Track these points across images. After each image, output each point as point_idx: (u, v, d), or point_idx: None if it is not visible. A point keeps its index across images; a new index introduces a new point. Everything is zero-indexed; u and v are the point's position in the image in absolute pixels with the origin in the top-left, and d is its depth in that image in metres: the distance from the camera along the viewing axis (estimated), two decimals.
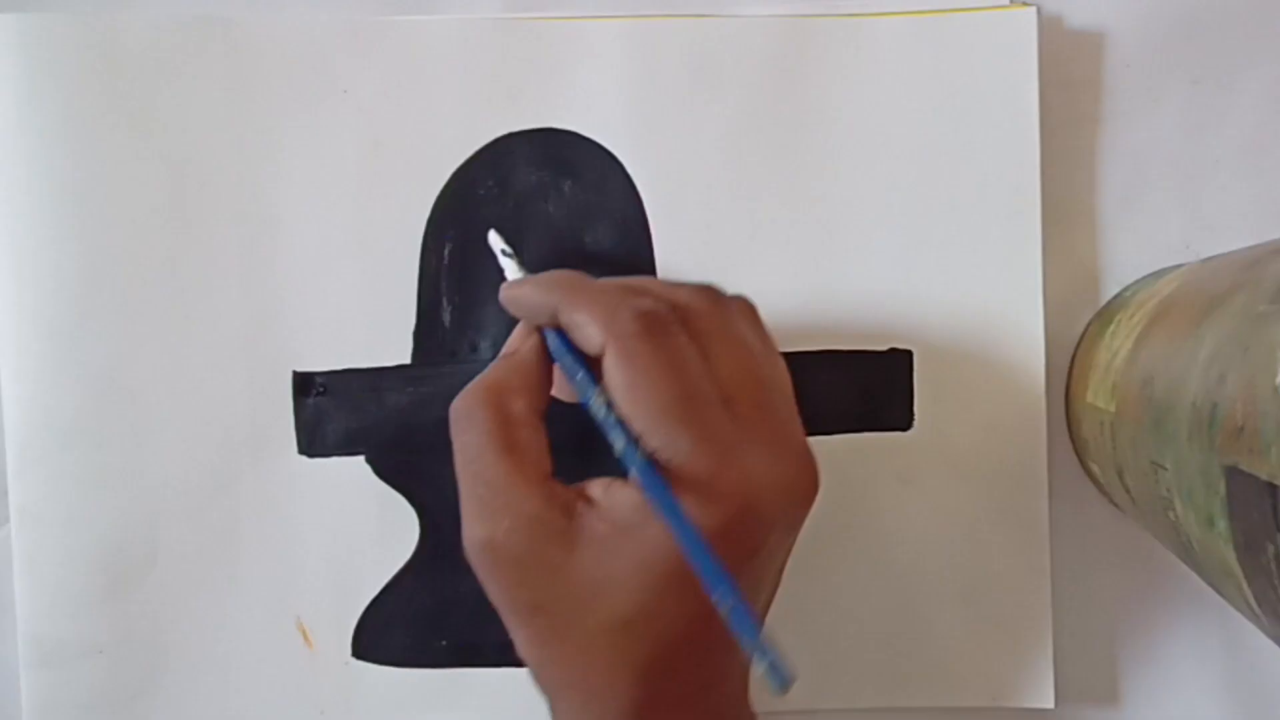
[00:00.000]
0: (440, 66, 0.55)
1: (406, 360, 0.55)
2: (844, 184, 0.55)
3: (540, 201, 0.55)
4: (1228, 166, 0.55)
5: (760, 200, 0.55)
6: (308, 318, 0.55)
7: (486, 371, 0.45)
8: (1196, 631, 0.56)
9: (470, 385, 0.44)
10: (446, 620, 0.56)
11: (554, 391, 0.46)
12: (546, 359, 0.46)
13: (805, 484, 0.44)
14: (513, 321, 0.51)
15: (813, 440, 0.54)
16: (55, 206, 0.55)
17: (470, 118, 0.55)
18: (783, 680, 0.36)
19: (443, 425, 0.53)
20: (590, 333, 0.42)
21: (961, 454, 0.55)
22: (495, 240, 0.54)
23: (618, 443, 0.41)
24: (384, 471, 0.56)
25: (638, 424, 0.41)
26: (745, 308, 0.48)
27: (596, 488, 0.43)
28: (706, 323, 0.44)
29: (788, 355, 0.54)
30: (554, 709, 0.44)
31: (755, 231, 0.55)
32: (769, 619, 0.47)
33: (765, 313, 0.53)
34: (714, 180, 0.55)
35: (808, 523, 0.53)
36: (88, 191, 0.55)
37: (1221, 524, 0.34)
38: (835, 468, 0.55)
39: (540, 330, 0.46)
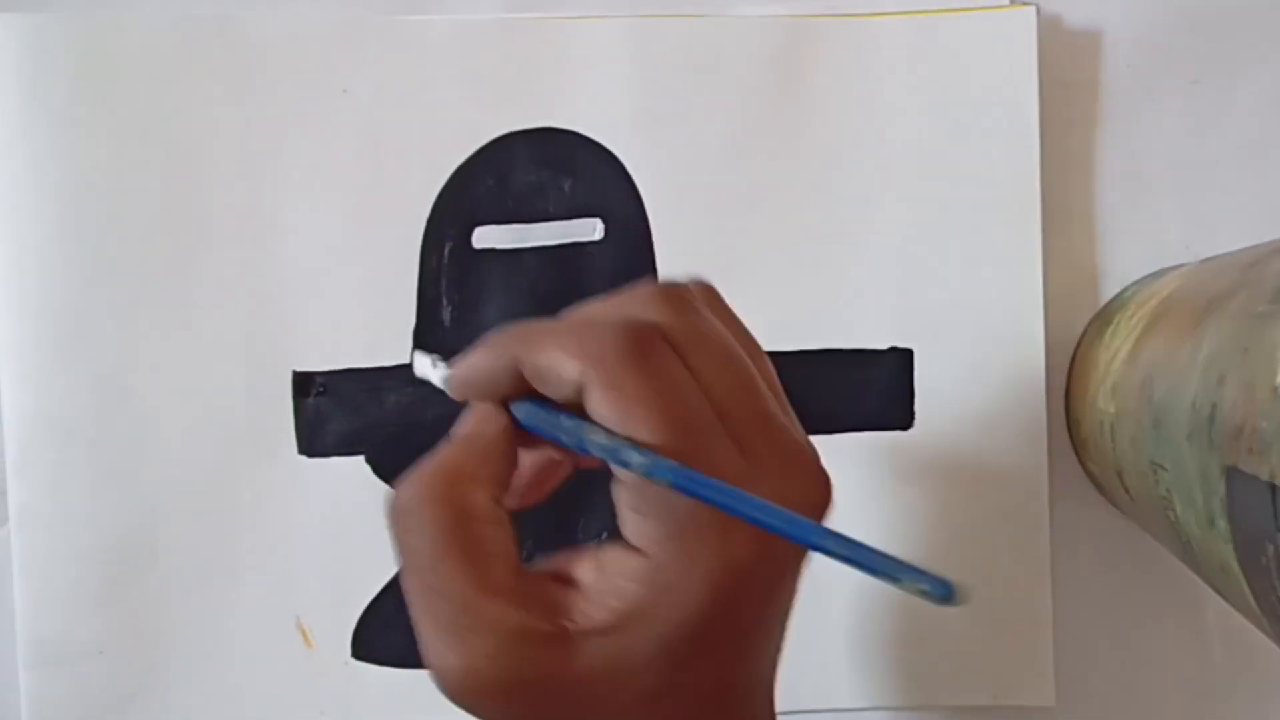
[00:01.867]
0: (440, 66, 0.55)
1: (406, 360, 0.55)
2: (844, 184, 0.55)
3: (540, 201, 0.55)
4: (1227, 167, 0.56)
5: (760, 199, 0.55)
6: (308, 317, 0.55)
7: (436, 455, 0.38)
8: (1196, 631, 0.57)
9: (415, 473, 0.37)
10: None
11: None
12: (510, 437, 0.38)
13: (819, 498, 0.38)
14: (511, 320, 0.50)
15: (814, 439, 0.54)
16: (55, 205, 0.55)
17: (470, 117, 0.55)
18: (947, 589, 0.32)
19: (443, 425, 0.53)
20: (566, 371, 0.35)
21: (962, 454, 0.56)
22: (421, 363, 0.43)
23: (635, 459, 0.34)
24: (384, 471, 0.56)
25: None
26: (708, 295, 0.41)
27: (582, 568, 0.36)
28: (682, 332, 0.37)
29: (789, 354, 0.54)
30: None
31: (755, 230, 0.55)
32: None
33: (765, 312, 0.53)
34: (714, 179, 0.55)
35: None
36: (88, 190, 0.55)
37: (1221, 524, 0.34)
38: (835, 467, 0.55)
39: (503, 405, 0.38)
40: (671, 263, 0.55)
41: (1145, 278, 0.55)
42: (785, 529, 0.33)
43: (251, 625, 0.56)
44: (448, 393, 0.40)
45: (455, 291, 0.55)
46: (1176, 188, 0.56)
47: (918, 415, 0.56)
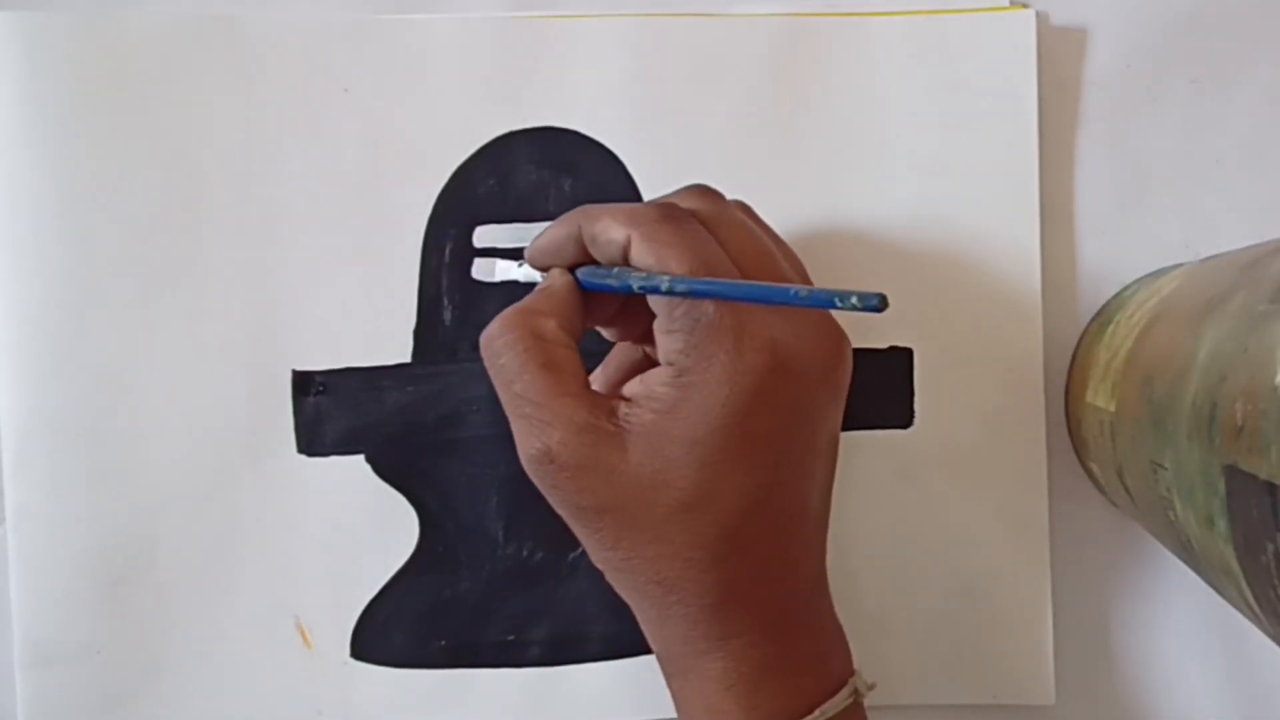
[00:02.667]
0: (441, 65, 0.55)
1: (407, 359, 0.55)
2: (843, 183, 0.55)
3: (541, 200, 0.55)
4: (1227, 166, 0.56)
5: (759, 198, 0.55)
6: (307, 316, 0.55)
7: (515, 305, 0.46)
8: (1195, 630, 0.57)
9: (499, 315, 0.46)
10: (445, 621, 0.56)
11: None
12: (577, 290, 0.47)
13: (830, 341, 0.46)
14: None
15: None
16: (55, 205, 0.55)
17: (471, 116, 0.55)
18: (876, 300, 0.36)
19: (443, 424, 0.53)
20: (615, 234, 0.44)
21: (961, 452, 0.56)
22: (504, 266, 0.53)
23: (664, 282, 0.41)
24: (384, 471, 0.56)
25: None
26: (743, 206, 0.50)
27: (632, 386, 0.46)
28: (711, 215, 0.46)
29: None
30: (638, 612, 0.47)
31: None
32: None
33: None
34: (713, 178, 0.55)
35: None
36: (88, 190, 0.55)
37: (1221, 523, 0.34)
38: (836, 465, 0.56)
39: (570, 270, 0.47)
40: None
41: (1145, 277, 0.55)
42: (765, 296, 0.40)
43: (250, 625, 0.56)
44: (529, 275, 0.50)
45: (456, 290, 0.55)
46: (1176, 187, 0.56)
47: (917, 414, 0.56)
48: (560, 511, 0.45)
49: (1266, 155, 0.55)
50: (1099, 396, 0.50)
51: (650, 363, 0.51)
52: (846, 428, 0.55)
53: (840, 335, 0.46)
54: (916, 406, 0.56)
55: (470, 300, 0.55)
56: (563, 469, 0.43)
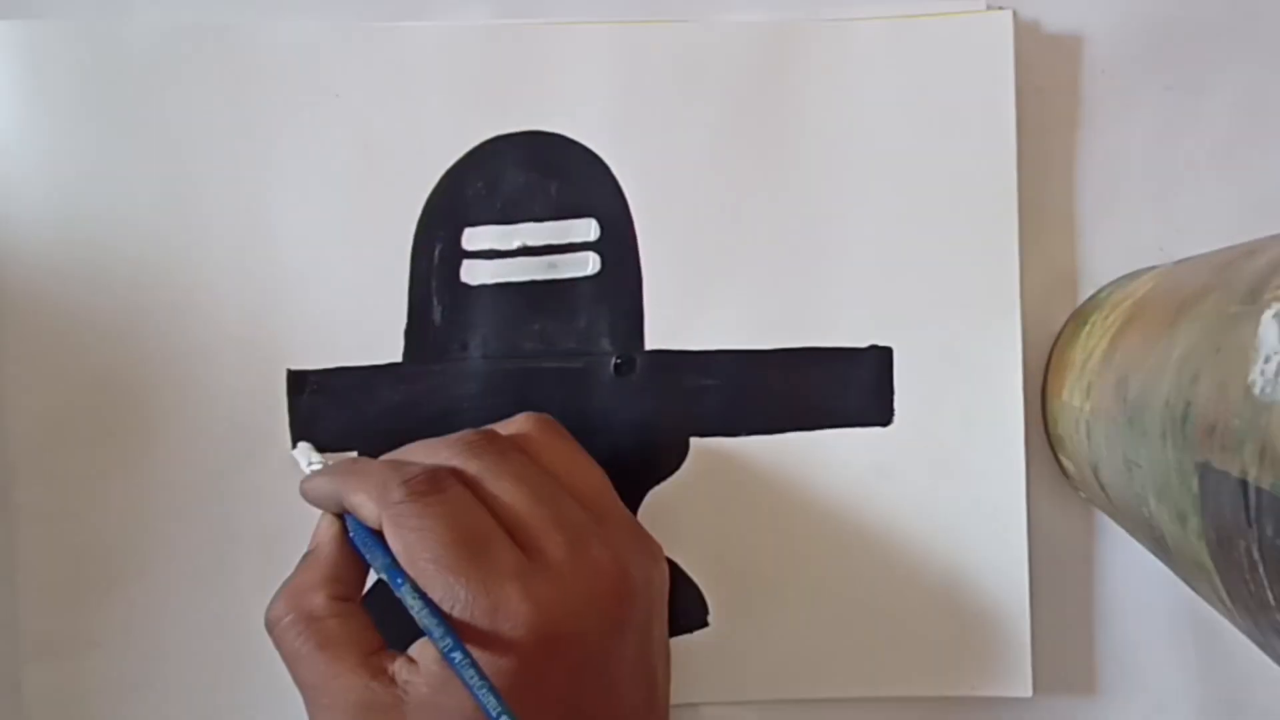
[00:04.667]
0: (430, 71, 0.55)
1: (398, 359, 0.56)
2: (825, 185, 0.56)
3: (528, 202, 0.56)
4: (1201, 170, 0.56)
5: (743, 201, 0.55)
6: (301, 317, 0.56)
7: (289, 577, 0.48)
8: (1170, 624, 0.57)
9: (276, 594, 0.47)
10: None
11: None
12: (345, 545, 0.48)
13: (606, 594, 0.45)
14: (500, 320, 0.54)
15: (795, 435, 0.55)
16: (55, 207, 0.55)
17: (459, 121, 0.56)
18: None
19: (434, 422, 0.54)
20: (368, 510, 0.45)
21: (940, 449, 0.56)
22: (303, 454, 0.54)
23: (406, 601, 0.42)
24: None
25: (421, 581, 0.42)
26: (531, 428, 0.50)
27: (416, 647, 0.44)
28: (477, 467, 0.46)
29: (770, 352, 0.55)
30: None
31: (739, 231, 0.56)
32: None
33: (748, 311, 0.54)
34: (698, 182, 0.56)
35: (795, 517, 0.54)
36: (86, 193, 0.55)
37: (1194, 520, 0.34)
38: (815, 462, 0.56)
39: (341, 518, 0.49)
40: (656, 262, 0.56)
41: (1120, 278, 0.55)
42: (481, 699, 0.39)
43: (248, 620, 0.56)
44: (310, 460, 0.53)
45: (445, 292, 0.56)
46: (1151, 191, 0.56)
47: (897, 412, 0.56)
48: None
49: (1238, 159, 0.56)
50: (1075, 395, 0.50)
51: None
52: (827, 425, 0.56)
53: (620, 574, 0.46)
54: (896, 404, 0.56)
55: (459, 301, 0.56)
56: None
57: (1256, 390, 0.30)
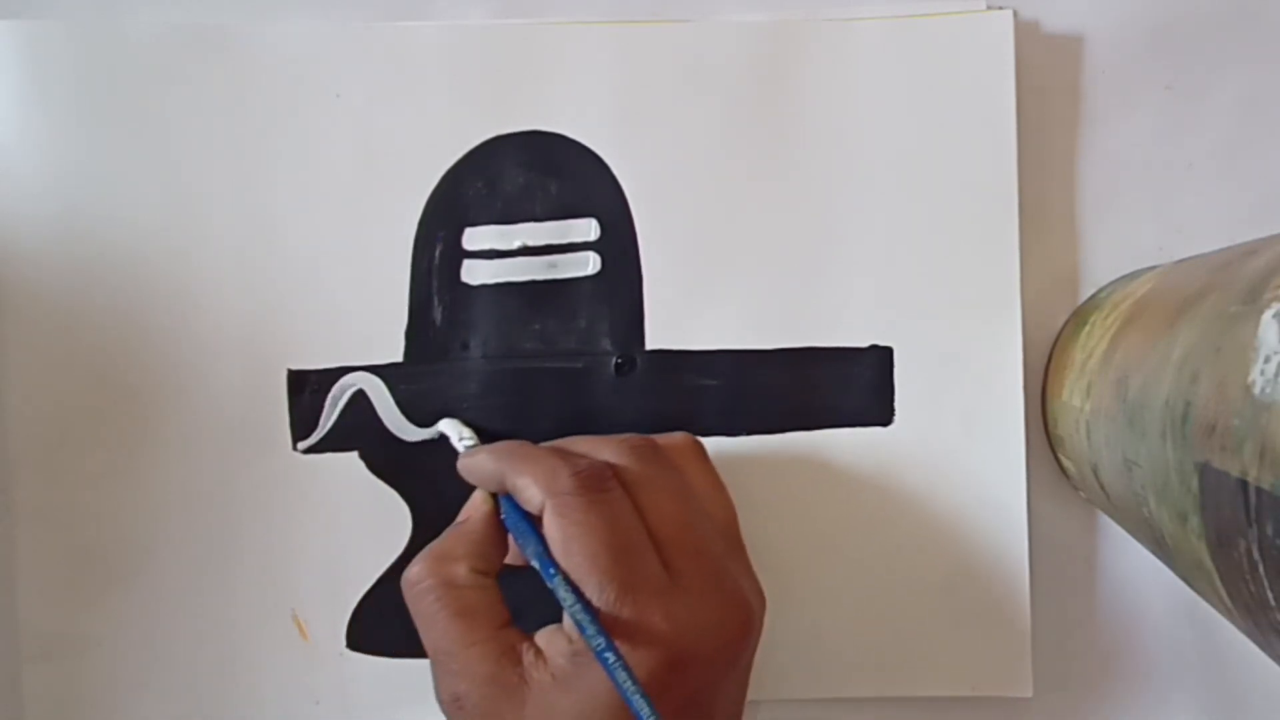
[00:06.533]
0: (430, 71, 0.55)
1: (399, 359, 0.56)
2: (826, 184, 0.56)
3: (528, 202, 0.56)
4: (1200, 170, 0.56)
5: (743, 201, 0.55)
6: (303, 317, 0.56)
7: (435, 542, 0.49)
8: (1170, 624, 0.57)
9: (419, 556, 0.48)
10: None
11: (508, 559, 0.50)
12: (495, 523, 0.49)
13: (735, 626, 0.46)
14: (501, 320, 0.54)
15: (795, 435, 0.55)
16: (56, 208, 0.55)
17: (459, 121, 0.56)
18: None
19: (434, 421, 0.54)
20: (532, 494, 0.46)
21: (941, 449, 0.56)
22: (452, 428, 0.55)
23: (559, 593, 0.43)
24: (377, 467, 0.56)
25: (572, 574, 0.44)
26: (684, 446, 0.52)
27: (543, 636, 0.46)
28: (636, 474, 0.48)
29: (771, 352, 0.55)
30: None
31: (739, 231, 0.56)
32: None
33: (749, 310, 0.54)
34: (698, 181, 0.56)
35: (791, 517, 0.54)
36: (88, 193, 0.55)
37: (1194, 520, 0.34)
38: (815, 462, 0.56)
39: (495, 497, 0.50)
40: (656, 262, 0.56)
41: (1120, 279, 0.55)
42: (633, 703, 0.41)
43: (248, 618, 0.56)
44: (460, 433, 0.54)
45: (445, 291, 0.56)
46: (1151, 191, 0.56)
47: (897, 412, 0.56)
48: None
49: (1238, 160, 0.56)
50: (1075, 395, 0.50)
51: None
52: (828, 425, 0.56)
53: (747, 612, 0.47)
54: (896, 404, 0.56)
55: (460, 301, 0.56)
56: (470, 716, 0.44)
57: (1256, 390, 0.30)
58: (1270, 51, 0.56)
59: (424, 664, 0.52)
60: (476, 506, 0.50)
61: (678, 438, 0.52)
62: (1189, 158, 0.56)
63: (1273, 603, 0.30)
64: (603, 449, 0.49)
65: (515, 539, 0.48)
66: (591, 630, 0.42)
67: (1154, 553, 0.43)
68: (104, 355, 0.55)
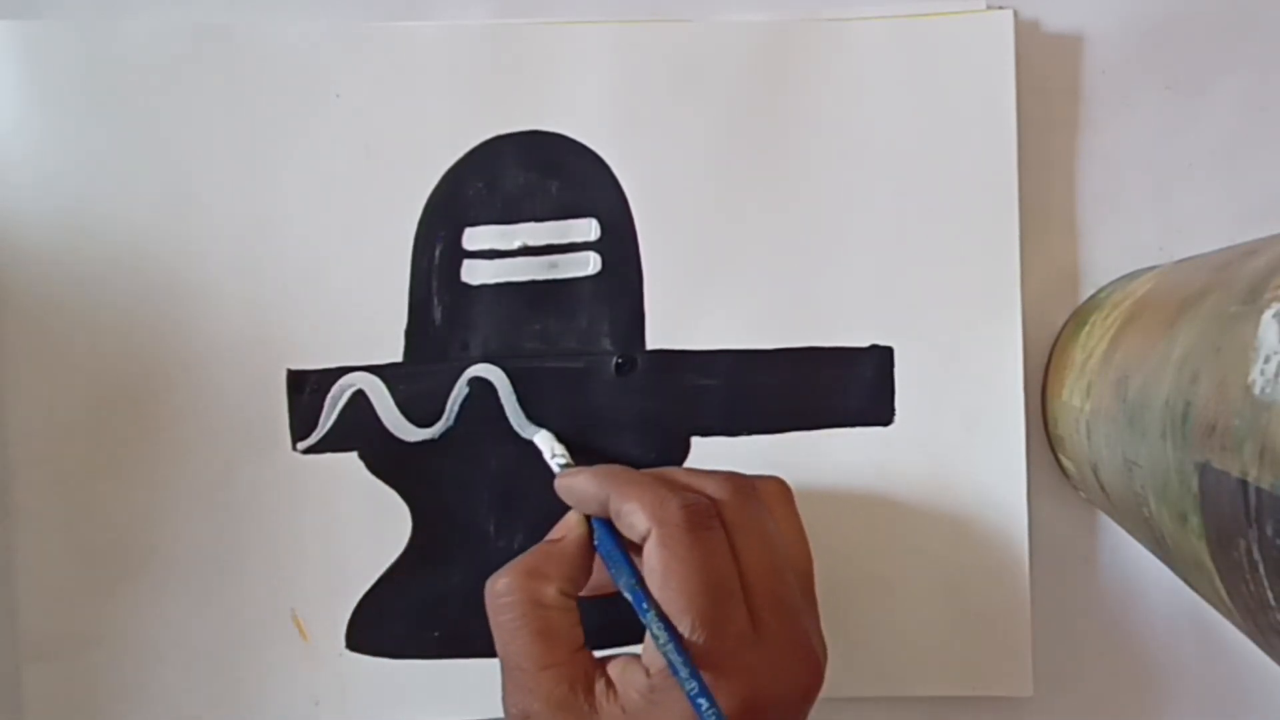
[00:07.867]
0: (430, 71, 0.55)
1: (399, 358, 0.56)
2: (826, 184, 0.56)
3: (528, 202, 0.56)
4: (1200, 170, 0.56)
5: (744, 200, 0.55)
6: (301, 317, 0.56)
7: (526, 555, 0.49)
8: (1169, 623, 0.57)
9: (509, 566, 0.48)
10: (438, 612, 0.56)
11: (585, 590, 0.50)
12: (588, 547, 0.50)
13: (807, 683, 0.47)
14: (501, 320, 0.54)
15: (796, 435, 0.55)
16: (55, 208, 0.55)
17: (459, 120, 0.56)
18: None
19: (434, 421, 0.54)
20: (637, 520, 0.46)
21: (941, 449, 0.56)
22: (545, 442, 0.55)
23: (652, 629, 0.43)
24: (376, 467, 0.56)
25: (665, 607, 0.44)
26: (776, 490, 0.51)
27: (616, 667, 0.46)
28: (736, 515, 0.47)
29: (772, 352, 0.54)
30: None
31: (739, 231, 0.56)
32: None
33: (749, 310, 0.54)
34: (698, 181, 0.56)
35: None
36: (86, 193, 0.55)
37: (1194, 520, 0.34)
38: (816, 462, 0.56)
39: (589, 520, 0.50)
40: (656, 262, 0.56)
41: (1120, 278, 0.55)
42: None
43: (248, 618, 0.56)
44: (550, 446, 0.54)
45: (445, 291, 0.56)
46: (1151, 191, 0.56)
47: (898, 411, 0.56)
48: None
49: (1238, 160, 0.56)
50: (1075, 395, 0.50)
51: None
52: (829, 425, 0.56)
53: (818, 671, 0.47)
54: (897, 404, 0.56)
55: (459, 301, 0.56)
56: None
57: (1256, 390, 0.30)
58: (1270, 51, 0.56)
59: (425, 665, 0.52)
60: (571, 528, 0.50)
61: (771, 480, 0.52)
62: (1189, 158, 0.56)
63: (1273, 603, 0.30)
64: (705, 483, 0.49)
65: (607, 566, 0.48)
66: (685, 673, 0.42)
67: (1154, 553, 0.43)
68: (104, 355, 0.55)
